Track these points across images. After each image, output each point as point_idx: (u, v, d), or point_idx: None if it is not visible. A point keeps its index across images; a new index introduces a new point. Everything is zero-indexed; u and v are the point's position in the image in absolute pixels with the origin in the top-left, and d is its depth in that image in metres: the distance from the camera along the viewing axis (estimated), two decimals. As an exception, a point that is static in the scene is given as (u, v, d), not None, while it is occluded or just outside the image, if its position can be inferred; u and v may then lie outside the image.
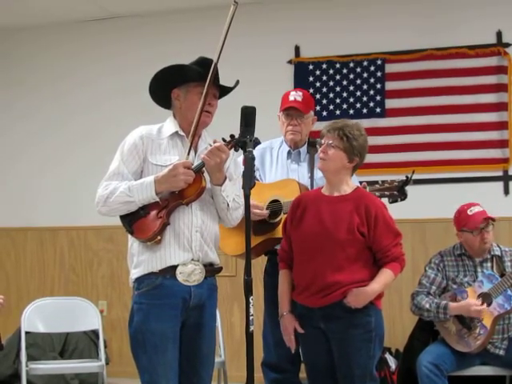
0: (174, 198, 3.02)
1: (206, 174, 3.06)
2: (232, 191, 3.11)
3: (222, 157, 2.98)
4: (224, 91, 3.20)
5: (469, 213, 4.27)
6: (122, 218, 3.08)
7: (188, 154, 3.04)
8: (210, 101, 3.08)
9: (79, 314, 5.00)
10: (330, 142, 3.27)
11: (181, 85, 3.14)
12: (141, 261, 3.05)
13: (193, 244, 3.05)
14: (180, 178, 2.97)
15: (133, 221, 3.04)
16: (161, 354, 2.98)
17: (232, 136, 3.01)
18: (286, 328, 3.34)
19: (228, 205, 3.10)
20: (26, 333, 4.83)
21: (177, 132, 3.14)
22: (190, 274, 3.04)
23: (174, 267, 3.02)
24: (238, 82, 3.18)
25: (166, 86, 3.16)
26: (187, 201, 3.02)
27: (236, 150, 3.03)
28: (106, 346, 5.21)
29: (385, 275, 3.23)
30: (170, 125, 3.18)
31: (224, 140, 3.02)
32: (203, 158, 3.00)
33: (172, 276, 3.02)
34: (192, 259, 3.04)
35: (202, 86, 3.05)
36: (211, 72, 2.99)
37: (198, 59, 3.14)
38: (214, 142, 3.03)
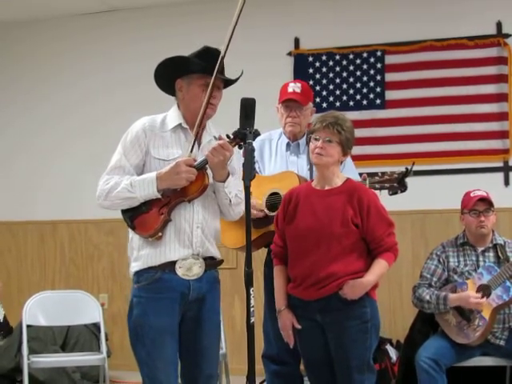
0: (177, 195, 3.01)
1: (208, 171, 3.04)
2: (234, 187, 3.10)
3: (226, 154, 2.96)
4: (227, 83, 3.18)
5: (471, 195, 4.34)
6: (124, 212, 3.07)
7: (191, 151, 3.03)
8: (213, 93, 3.05)
9: (80, 308, 5.00)
10: (328, 137, 3.26)
11: (184, 76, 3.11)
12: (141, 255, 3.05)
13: (193, 240, 3.04)
14: (182, 176, 2.95)
15: (134, 216, 3.04)
16: (159, 347, 2.98)
17: (235, 133, 2.97)
18: (284, 324, 3.34)
19: (230, 201, 3.09)
20: (28, 326, 4.83)
21: (180, 124, 3.12)
22: (189, 268, 3.03)
23: (174, 262, 3.02)
24: (242, 73, 3.17)
25: (170, 76, 3.13)
26: (189, 198, 3.01)
27: (240, 148, 2.99)
28: (107, 339, 5.21)
29: (379, 266, 3.23)
30: (173, 116, 3.15)
31: (228, 137, 2.98)
32: (207, 156, 2.98)
33: (171, 270, 3.02)
34: (192, 254, 3.04)
35: (205, 78, 3.03)
36: (218, 66, 2.96)
37: (203, 49, 3.11)
38: (219, 138, 3.00)
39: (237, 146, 2.99)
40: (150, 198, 3.01)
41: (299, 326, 3.31)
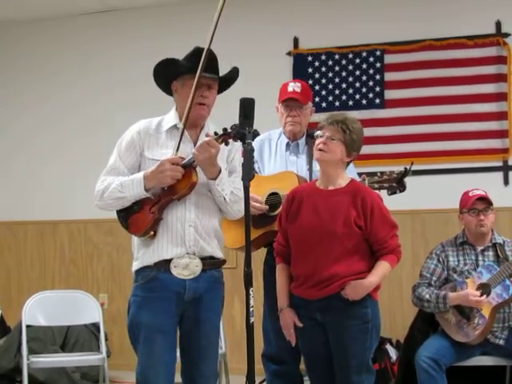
0: (166, 193, 3.03)
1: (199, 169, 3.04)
2: (229, 184, 3.10)
3: (212, 152, 2.95)
4: (226, 83, 3.18)
5: (470, 194, 4.34)
6: (118, 212, 3.12)
7: (177, 149, 3.03)
8: (202, 92, 3.05)
9: (80, 307, 4.99)
10: (332, 134, 3.25)
11: (178, 77, 3.12)
12: (138, 254, 3.09)
13: (186, 239, 3.05)
14: (166, 174, 2.97)
15: (127, 216, 3.08)
16: (151, 346, 3.00)
17: (225, 129, 2.96)
18: (286, 323, 3.34)
19: (224, 198, 3.09)
20: (27, 326, 4.83)
21: (175, 125, 3.13)
22: (184, 268, 3.04)
23: (169, 261, 3.03)
24: (235, 70, 3.15)
25: (167, 78, 3.15)
26: (178, 196, 3.02)
27: (226, 145, 3.00)
28: (106, 339, 5.21)
29: (382, 267, 3.23)
30: (170, 117, 3.17)
31: (216, 134, 2.98)
32: (193, 153, 2.99)
33: (166, 270, 3.03)
34: (187, 253, 3.05)
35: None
36: (201, 63, 2.95)
37: (193, 50, 3.10)
38: (207, 135, 3.00)
39: (239, 142, 2.98)
40: (140, 197, 3.04)
41: (301, 325, 3.31)
